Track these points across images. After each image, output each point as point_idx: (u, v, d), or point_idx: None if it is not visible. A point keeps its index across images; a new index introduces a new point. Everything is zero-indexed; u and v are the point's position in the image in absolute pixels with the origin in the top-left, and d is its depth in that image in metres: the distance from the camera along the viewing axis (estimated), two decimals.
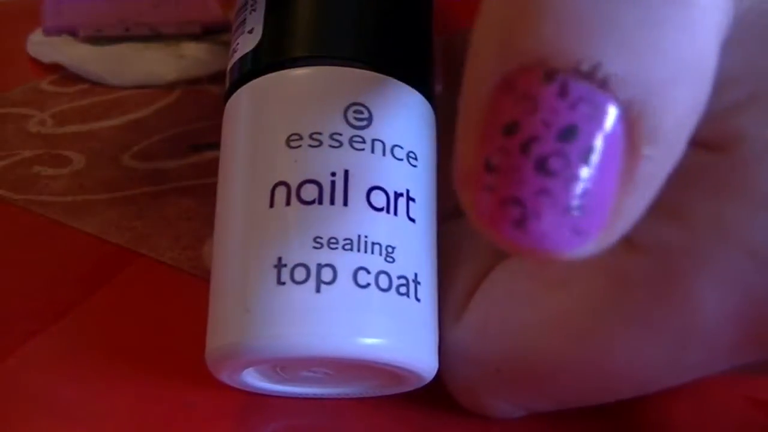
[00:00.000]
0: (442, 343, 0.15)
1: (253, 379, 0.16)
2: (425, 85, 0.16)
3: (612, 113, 0.10)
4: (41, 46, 0.29)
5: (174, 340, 0.18)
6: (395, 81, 0.16)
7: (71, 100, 0.27)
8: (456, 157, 0.11)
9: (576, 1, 0.10)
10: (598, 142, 0.10)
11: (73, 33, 0.29)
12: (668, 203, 0.12)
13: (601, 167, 0.10)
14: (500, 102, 0.10)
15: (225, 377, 0.15)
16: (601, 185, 0.10)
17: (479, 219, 0.10)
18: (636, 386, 0.15)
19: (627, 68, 0.10)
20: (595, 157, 0.10)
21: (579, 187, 0.10)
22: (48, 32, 0.29)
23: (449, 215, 0.17)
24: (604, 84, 0.10)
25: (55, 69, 0.29)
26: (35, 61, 0.29)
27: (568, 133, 0.10)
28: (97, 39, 0.29)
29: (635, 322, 0.13)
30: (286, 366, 0.15)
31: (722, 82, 0.11)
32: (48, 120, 0.26)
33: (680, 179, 0.11)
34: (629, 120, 0.10)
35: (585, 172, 0.10)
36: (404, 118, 0.16)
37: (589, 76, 0.10)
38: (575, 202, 0.10)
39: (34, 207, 0.22)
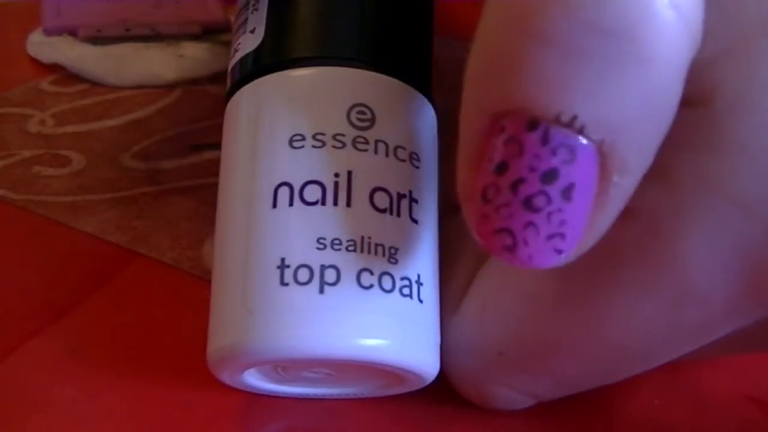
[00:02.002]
0: (442, 337, 0.15)
1: (254, 380, 0.16)
2: (427, 86, 0.16)
3: (587, 154, 0.11)
4: (41, 46, 0.29)
5: (174, 340, 0.18)
6: (398, 82, 0.16)
7: (71, 100, 0.27)
8: (458, 178, 0.13)
9: (552, 62, 0.11)
10: (575, 181, 0.12)
11: (73, 33, 0.29)
12: (654, 165, 0.12)
13: (577, 200, 0.12)
14: (491, 141, 0.12)
15: (226, 378, 0.15)
16: (578, 214, 0.12)
17: (477, 236, 0.12)
18: (639, 356, 0.14)
19: (597, 116, 0.11)
20: (572, 194, 0.12)
21: (559, 219, 0.12)
22: (48, 32, 0.29)
23: (446, 214, 0.17)
24: (580, 131, 0.11)
25: (55, 69, 0.28)
26: (35, 61, 0.29)
27: (550, 176, 0.12)
28: (97, 39, 0.29)
29: (630, 285, 0.13)
30: (287, 366, 0.15)
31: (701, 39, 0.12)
32: (48, 120, 0.26)
33: (665, 140, 0.12)
34: (601, 156, 0.11)
35: (564, 207, 0.12)
36: (407, 119, 0.16)
37: (569, 125, 0.11)
38: (555, 230, 0.12)
39: (34, 207, 0.22)
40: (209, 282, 0.15)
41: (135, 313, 0.19)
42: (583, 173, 0.11)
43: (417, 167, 0.15)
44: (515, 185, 0.12)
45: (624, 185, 0.12)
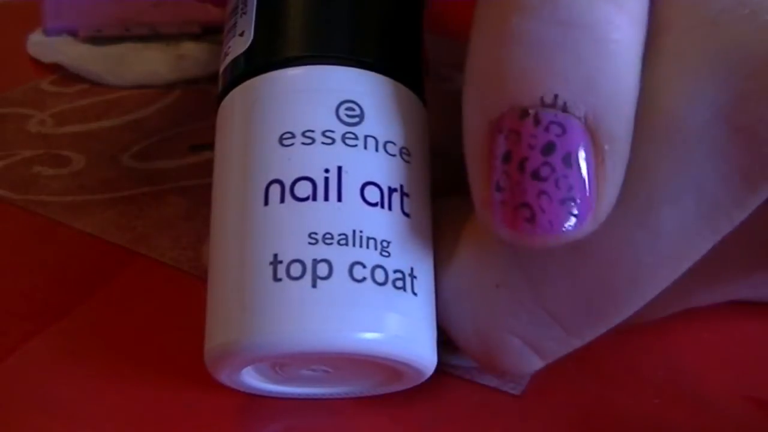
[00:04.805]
0: (441, 293, 0.15)
1: (253, 380, 0.16)
2: (416, 83, 0.17)
3: (576, 127, 0.13)
4: (41, 46, 0.29)
5: (174, 340, 0.18)
6: (386, 78, 0.16)
7: (71, 100, 0.27)
8: (472, 190, 0.14)
9: (525, 58, 0.13)
10: (571, 149, 0.13)
11: (73, 33, 0.29)
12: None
13: (578, 166, 0.13)
14: (494, 141, 0.13)
15: (224, 377, 0.15)
16: (582, 178, 0.13)
17: (500, 227, 0.13)
18: (627, 284, 0.14)
19: (573, 92, 0.13)
20: (571, 160, 0.13)
21: (566, 184, 0.13)
22: (48, 32, 0.29)
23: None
24: (564, 108, 0.13)
25: (55, 69, 0.28)
26: (35, 61, 0.29)
27: (548, 149, 0.13)
28: (97, 39, 0.29)
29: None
30: (284, 364, 0.15)
31: None
32: (48, 120, 0.26)
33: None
34: (589, 129, 0.13)
35: (567, 173, 0.13)
36: (396, 114, 0.16)
37: (552, 104, 0.13)
38: (566, 195, 0.13)
39: (34, 207, 0.22)
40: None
41: (135, 313, 0.19)
42: (576, 143, 0.13)
43: (408, 162, 0.15)
44: (521, 164, 0.13)
45: (617, 151, 0.13)
